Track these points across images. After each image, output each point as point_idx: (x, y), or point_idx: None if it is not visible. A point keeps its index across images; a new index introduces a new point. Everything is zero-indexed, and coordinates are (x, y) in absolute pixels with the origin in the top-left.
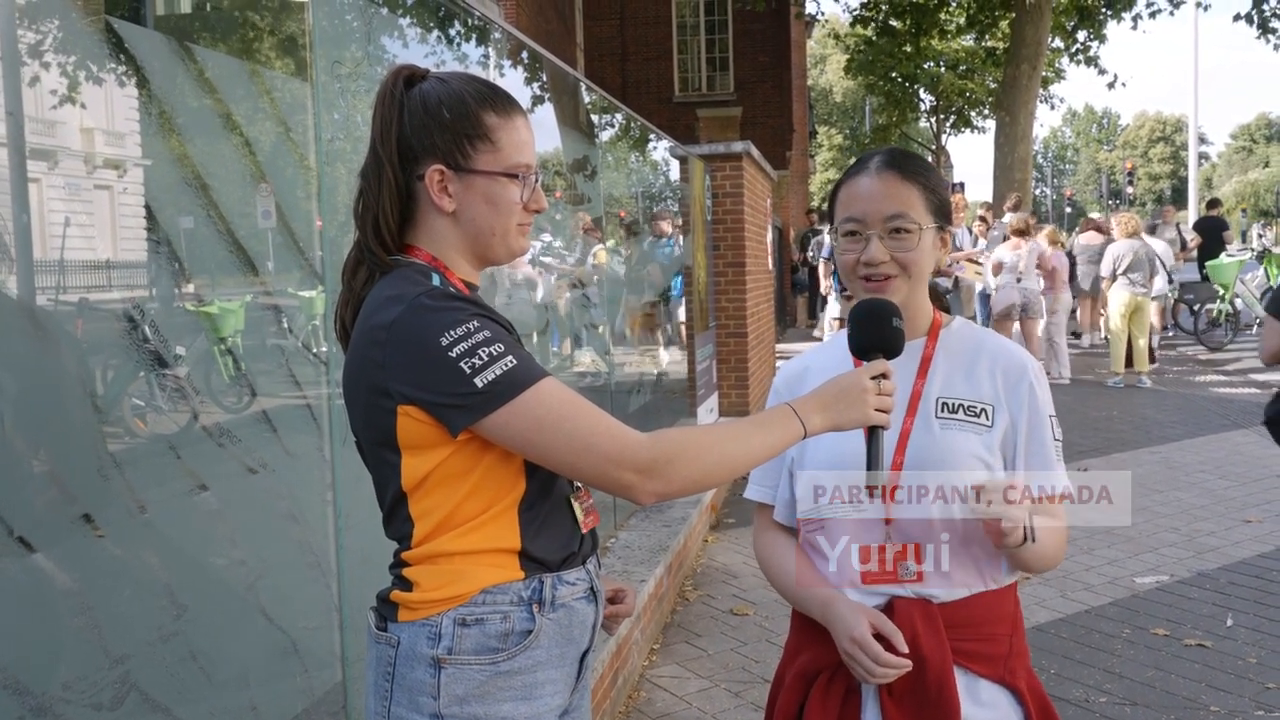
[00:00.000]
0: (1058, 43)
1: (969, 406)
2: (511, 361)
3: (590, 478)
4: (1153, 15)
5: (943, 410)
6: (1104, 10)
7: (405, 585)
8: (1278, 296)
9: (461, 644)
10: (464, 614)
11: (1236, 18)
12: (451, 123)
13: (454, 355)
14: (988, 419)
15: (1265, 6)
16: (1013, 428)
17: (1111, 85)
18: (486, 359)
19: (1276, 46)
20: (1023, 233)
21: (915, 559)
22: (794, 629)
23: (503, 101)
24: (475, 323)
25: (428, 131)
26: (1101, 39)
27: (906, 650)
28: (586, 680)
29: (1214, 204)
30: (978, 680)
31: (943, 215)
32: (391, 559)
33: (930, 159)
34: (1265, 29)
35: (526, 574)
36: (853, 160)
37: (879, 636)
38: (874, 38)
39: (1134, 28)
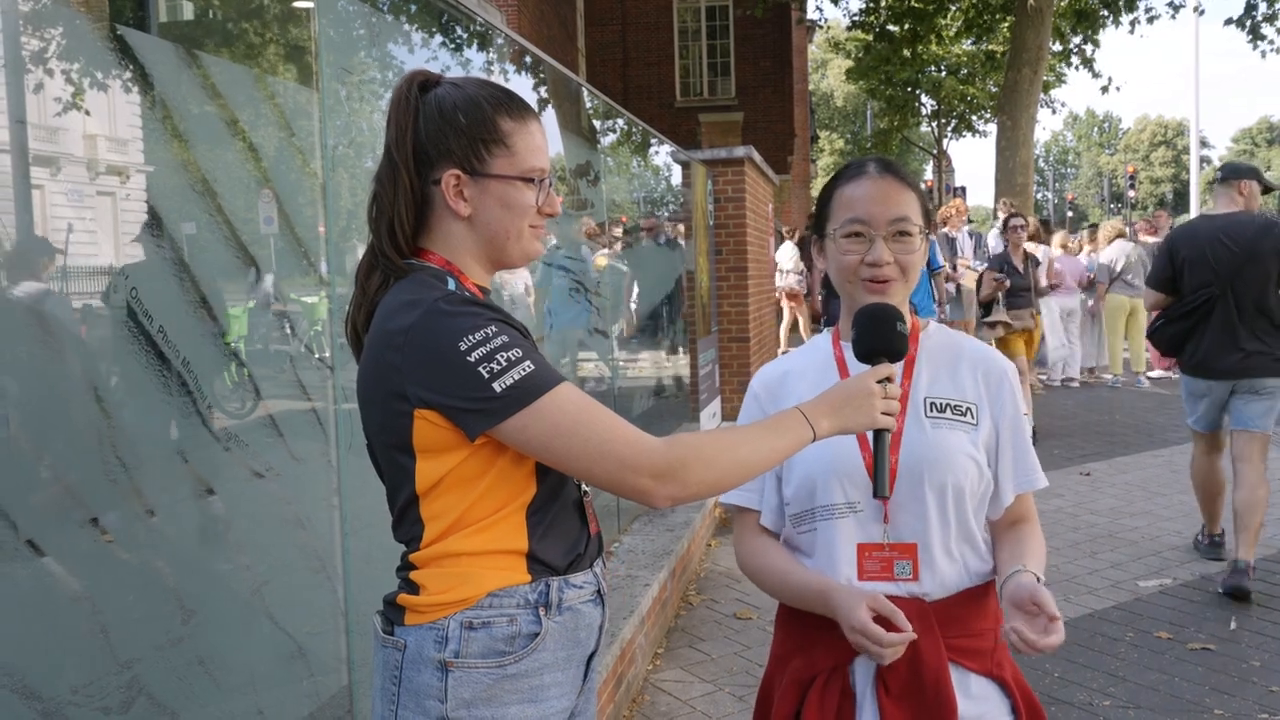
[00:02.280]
0: (1057, 47)
1: (955, 406)
2: (529, 366)
3: (606, 482)
4: (1150, 20)
5: (931, 410)
6: (1103, 14)
7: (412, 588)
8: (1153, 271)
9: (468, 647)
10: (470, 617)
11: (1228, 22)
12: (467, 127)
13: (472, 360)
14: (973, 417)
15: (1256, 12)
16: (995, 428)
17: (1105, 89)
18: (504, 364)
19: (1264, 54)
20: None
21: (911, 559)
22: (780, 634)
23: (517, 106)
24: (493, 328)
25: (444, 136)
26: (1095, 43)
27: (908, 626)
28: (592, 683)
29: None
30: (968, 675)
31: (929, 222)
32: (399, 562)
33: (932, 163)
34: (1256, 35)
35: (533, 577)
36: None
37: (881, 619)
38: (872, 42)
39: (1131, 31)
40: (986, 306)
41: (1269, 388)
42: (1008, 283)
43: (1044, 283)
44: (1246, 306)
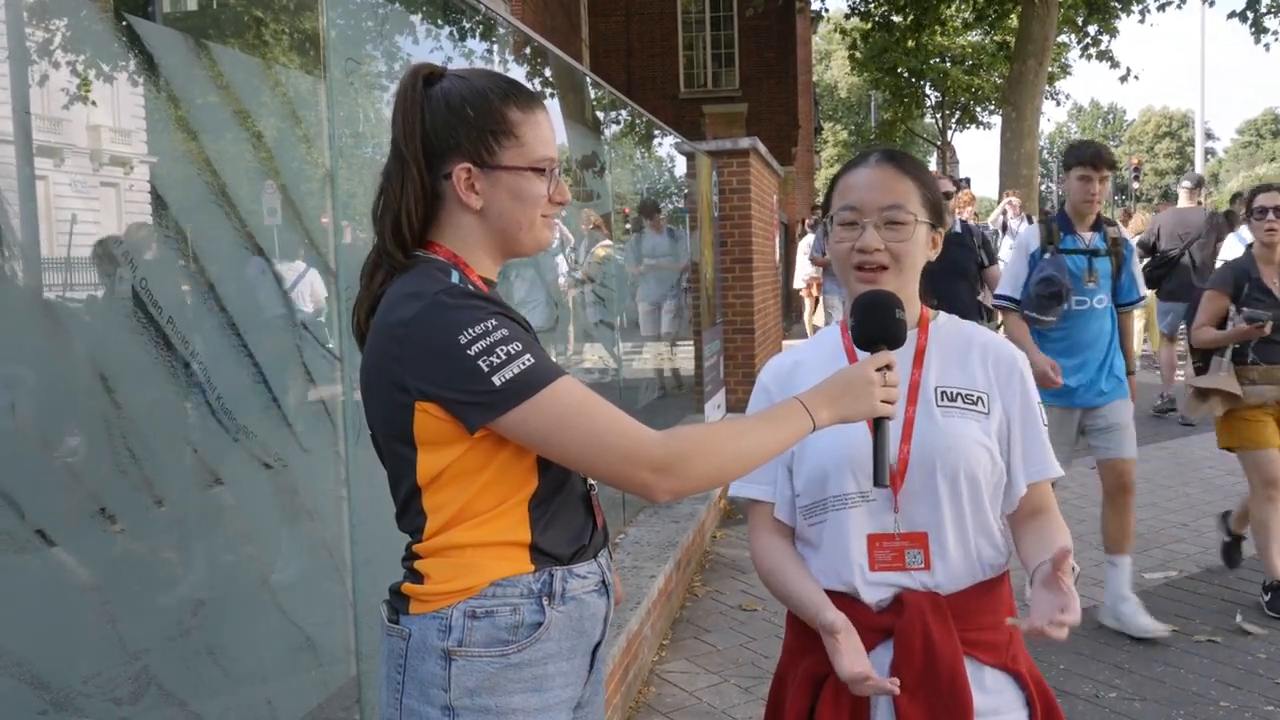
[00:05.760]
0: (1065, 38)
1: (966, 394)
2: (529, 360)
3: (606, 475)
4: (1161, 8)
5: (942, 399)
6: (1114, 3)
7: (416, 578)
8: (1141, 240)
9: (471, 636)
10: (474, 606)
11: (1231, 15)
12: (476, 120)
13: (472, 353)
14: (984, 406)
15: (1259, 5)
16: (1006, 417)
17: (1124, 79)
18: (504, 357)
19: (1268, 46)
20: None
21: (922, 548)
22: (792, 629)
23: (524, 96)
24: (493, 321)
25: (452, 130)
26: (1113, 33)
27: (894, 690)
28: (600, 674)
29: (1234, 199)
30: (983, 668)
31: (936, 215)
32: (404, 552)
33: (936, 154)
34: (1259, 28)
35: (537, 567)
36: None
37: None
38: (872, 30)
39: (1141, 21)
40: (1204, 356)
41: None
42: (1268, 327)
43: None
44: (1196, 261)
